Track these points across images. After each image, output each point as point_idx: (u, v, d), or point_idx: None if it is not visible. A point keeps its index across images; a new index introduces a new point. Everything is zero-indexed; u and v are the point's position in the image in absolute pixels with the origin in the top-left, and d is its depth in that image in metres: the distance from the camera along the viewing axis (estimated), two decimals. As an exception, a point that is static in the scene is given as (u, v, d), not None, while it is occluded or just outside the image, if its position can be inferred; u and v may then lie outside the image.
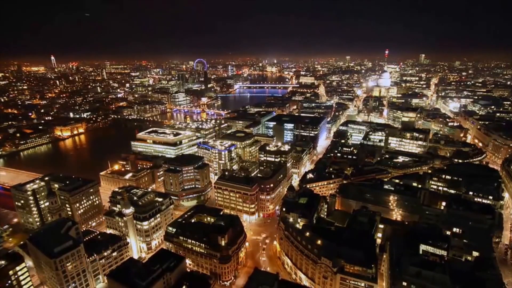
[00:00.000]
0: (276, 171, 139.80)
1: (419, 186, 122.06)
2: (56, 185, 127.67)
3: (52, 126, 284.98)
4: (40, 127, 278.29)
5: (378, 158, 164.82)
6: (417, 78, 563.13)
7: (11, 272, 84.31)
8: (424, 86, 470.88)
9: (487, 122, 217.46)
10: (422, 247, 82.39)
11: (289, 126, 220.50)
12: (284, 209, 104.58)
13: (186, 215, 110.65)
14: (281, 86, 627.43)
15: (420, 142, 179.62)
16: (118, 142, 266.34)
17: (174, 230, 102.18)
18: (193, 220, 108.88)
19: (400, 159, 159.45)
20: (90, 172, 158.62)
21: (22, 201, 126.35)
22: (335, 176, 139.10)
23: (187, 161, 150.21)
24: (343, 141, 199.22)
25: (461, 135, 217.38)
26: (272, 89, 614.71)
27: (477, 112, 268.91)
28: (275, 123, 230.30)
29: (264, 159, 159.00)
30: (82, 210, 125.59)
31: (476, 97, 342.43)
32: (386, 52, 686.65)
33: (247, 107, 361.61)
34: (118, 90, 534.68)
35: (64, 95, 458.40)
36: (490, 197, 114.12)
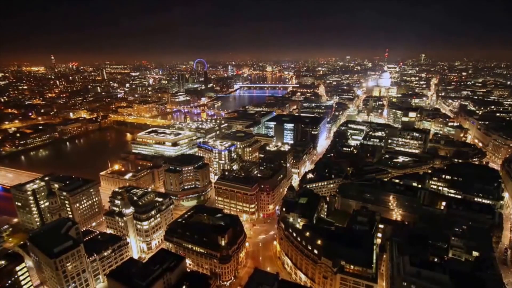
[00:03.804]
0: (276, 171, 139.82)
1: (419, 186, 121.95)
2: (56, 185, 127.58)
3: (52, 126, 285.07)
4: (40, 127, 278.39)
5: (378, 158, 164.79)
6: (417, 78, 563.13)
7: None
8: (424, 86, 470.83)
9: (487, 122, 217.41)
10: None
11: (289, 126, 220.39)
12: (284, 209, 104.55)
13: (186, 215, 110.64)
14: (281, 86, 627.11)
15: (420, 142, 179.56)
16: (118, 142, 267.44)
17: (174, 230, 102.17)
18: (193, 220, 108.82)
19: (400, 159, 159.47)
20: (90, 172, 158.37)
21: (22, 201, 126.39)
22: (335, 176, 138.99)
23: (187, 161, 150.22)
24: (343, 141, 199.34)
25: (461, 135, 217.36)
26: (272, 89, 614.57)
27: (477, 112, 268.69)
28: (275, 123, 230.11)
29: (264, 159, 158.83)
30: (82, 210, 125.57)
31: (476, 97, 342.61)
32: (386, 52, 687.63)
33: (247, 107, 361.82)
34: (118, 90, 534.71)
35: (64, 95, 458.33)
36: (490, 197, 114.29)
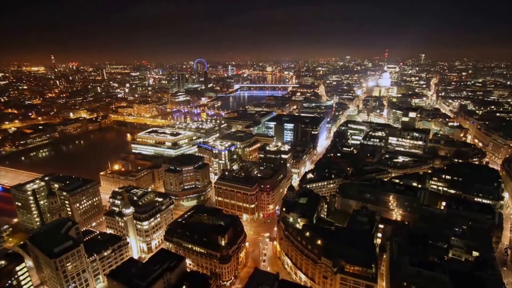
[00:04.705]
0: (276, 171, 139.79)
1: (419, 186, 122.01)
2: (56, 185, 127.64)
3: (52, 126, 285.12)
4: (40, 127, 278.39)
5: (378, 158, 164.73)
6: (417, 78, 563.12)
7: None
8: (424, 86, 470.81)
9: (487, 122, 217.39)
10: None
11: (289, 126, 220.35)
12: (284, 209, 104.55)
13: (186, 215, 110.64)
14: (281, 87, 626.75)
15: (420, 142, 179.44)
16: (118, 142, 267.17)
17: (174, 230, 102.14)
18: (193, 220, 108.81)
19: (400, 159, 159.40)
20: (90, 172, 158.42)
21: (22, 201, 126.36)
22: (335, 176, 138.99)
23: (187, 161, 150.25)
24: (343, 141, 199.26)
25: (461, 135, 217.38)
26: (272, 89, 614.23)
27: (477, 112, 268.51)
28: (275, 123, 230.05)
29: (264, 159, 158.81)
30: (82, 210, 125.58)
31: (476, 97, 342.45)
32: (386, 52, 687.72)
33: (247, 107, 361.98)
34: (118, 90, 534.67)
35: (64, 95, 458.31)
36: (490, 197, 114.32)
